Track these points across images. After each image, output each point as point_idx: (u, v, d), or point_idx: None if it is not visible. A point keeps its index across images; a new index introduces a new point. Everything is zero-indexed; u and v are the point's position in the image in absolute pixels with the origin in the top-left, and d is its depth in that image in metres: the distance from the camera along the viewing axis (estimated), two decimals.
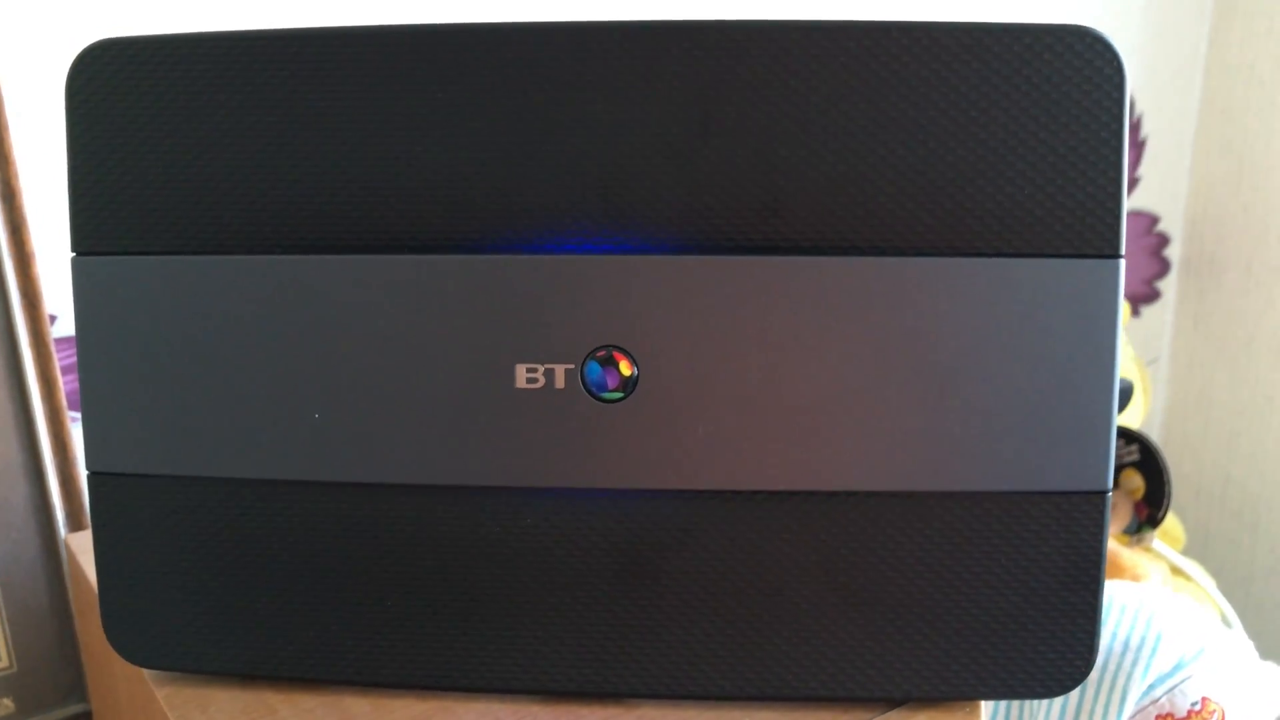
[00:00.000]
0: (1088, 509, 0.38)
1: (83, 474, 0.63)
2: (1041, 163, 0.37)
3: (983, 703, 0.41)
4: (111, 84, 0.39)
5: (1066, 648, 0.39)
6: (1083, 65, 0.36)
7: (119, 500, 0.41)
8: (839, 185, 0.37)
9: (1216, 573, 1.09)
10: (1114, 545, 0.92)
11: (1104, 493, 0.38)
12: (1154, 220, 1.21)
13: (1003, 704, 0.61)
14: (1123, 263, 0.37)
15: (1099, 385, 0.38)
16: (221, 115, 0.38)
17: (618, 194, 0.38)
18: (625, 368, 0.38)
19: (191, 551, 0.41)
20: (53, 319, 0.64)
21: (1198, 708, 0.56)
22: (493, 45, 0.37)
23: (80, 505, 0.63)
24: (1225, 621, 0.92)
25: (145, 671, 0.43)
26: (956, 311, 0.38)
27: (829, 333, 0.38)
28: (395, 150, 0.38)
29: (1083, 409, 0.38)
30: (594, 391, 0.38)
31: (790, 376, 0.38)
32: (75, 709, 0.64)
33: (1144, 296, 1.24)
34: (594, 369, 0.38)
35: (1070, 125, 0.37)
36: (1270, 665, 0.63)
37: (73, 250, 0.40)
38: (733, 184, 0.38)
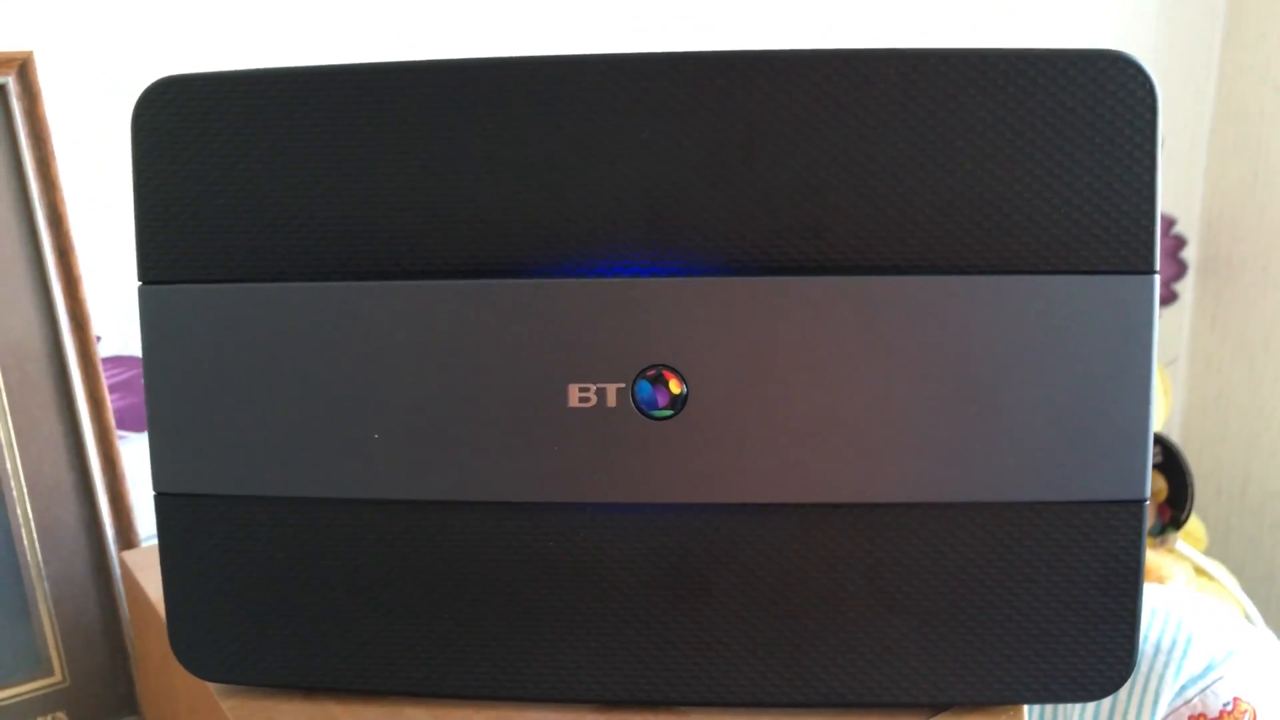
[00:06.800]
0: (1126, 517, 0.40)
1: (131, 492, 0.65)
2: (1077, 182, 0.38)
3: (1025, 707, 0.42)
4: (175, 119, 0.40)
5: (1106, 652, 0.40)
6: (1116, 89, 0.37)
7: (185, 520, 0.42)
8: (880, 207, 0.39)
9: (1238, 571, 1.10)
10: None
11: (1141, 501, 0.39)
12: (1170, 223, 1.22)
13: (1038, 707, 0.62)
14: (1157, 278, 0.39)
15: (1135, 397, 0.39)
16: (279, 148, 0.40)
17: (665, 218, 0.39)
18: (675, 386, 0.40)
19: (255, 568, 0.42)
20: (98, 339, 0.66)
21: (1229, 708, 0.57)
22: (545, 78, 0.39)
23: (129, 523, 0.65)
24: (1249, 620, 0.93)
25: (210, 685, 0.44)
26: (996, 328, 0.39)
27: (872, 350, 0.39)
28: (450, 179, 0.39)
29: (1120, 420, 0.39)
30: (644, 409, 0.40)
31: (834, 393, 0.39)
32: None
33: (1162, 298, 1.25)
34: (644, 388, 0.40)
35: (1105, 146, 0.38)
36: None
37: (139, 280, 0.41)
38: (776, 207, 0.39)
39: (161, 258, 0.41)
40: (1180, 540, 0.96)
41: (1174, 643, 0.58)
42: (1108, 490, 0.39)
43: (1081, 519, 0.40)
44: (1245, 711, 0.57)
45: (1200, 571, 0.96)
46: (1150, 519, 0.96)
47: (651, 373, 0.40)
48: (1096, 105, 0.38)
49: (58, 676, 0.64)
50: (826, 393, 0.39)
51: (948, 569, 0.40)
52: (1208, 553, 1.05)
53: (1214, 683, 0.57)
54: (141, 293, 0.41)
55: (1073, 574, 0.40)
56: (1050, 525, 0.40)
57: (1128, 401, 0.39)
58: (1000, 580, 0.40)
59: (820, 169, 0.38)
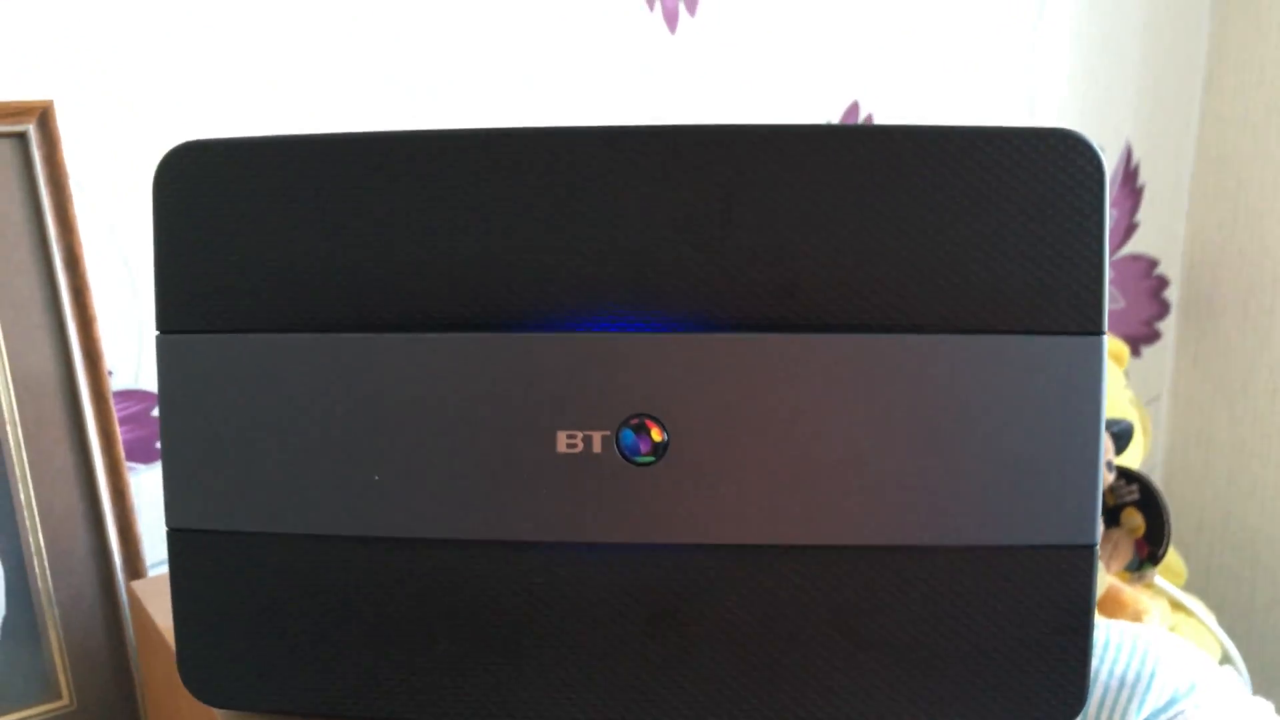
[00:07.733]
0: (1077, 561, 0.42)
1: (139, 522, 0.68)
2: (1031, 250, 0.41)
3: None
4: (195, 180, 0.43)
5: (1060, 689, 0.43)
6: (1066, 164, 0.40)
7: (196, 554, 0.45)
8: (848, 271, 0.41)
9: (1218, 607, 1.12)
10: (1116, 582, 0.96)
11: (1091, 546, 0.42)
12: (1153, 264, 1.25)
13: None
14: (1105, 338, 0.41)
15: (1085, 449, 0.42)
16: (290, 210, 0.43)
17: (648, 279, 0.42)
18: (656, 434, 0.42)
19: (261, 601, 0.45)
20: (109, 374, 0.68)
21: None
22: (540, 148, 0.42)
23: (137, 552, 0.67)
24: (1226, 655, 0.95)
25: (216, 711, 0.47)
26: (955, 383, 0.42)
27: (839, 403, 0.42)
28: (450, 241, 0.42)
29: (1071, 470, 0.42)
30: (628, 456, 0.43)
31: (805, 442, 0.42)
32: None
33: (1144, 337, 1.28)
34: (628, 435, 0.42)
35: (1056, 217, 0.41)
36: (1260, 700, 0.67)
37: (158, 329, 0.44)
38: (752, 269, 0.42)
39: (179, 309, 0.44)
40: (1159, 575, 0.98)
41: (1139, 676, 0.61)
42: (1060, 536, 0.42)
43: (1035, 562, 0.42)
44: None
45: (1178, 606, 0.99)
46: (1129, 555, 0.99)
47: (635, 421, 0.42)
48: (1048, 180, 0.41)
49: (66, 700, 0.66)
50: (797, 442, 0.42)
51: (909, 608, 0.43)
52: (1187, 588, 1.07)
53: (1176, 716, 0.60)
54: (159, 342, 0.44)
55: (1027, 614, 0.43)
56: (1006, 568, 0.42)
57: (1078, 452, 0.42)
58: (959, 619, 0.43)
59: (792, 235, 0.41)
